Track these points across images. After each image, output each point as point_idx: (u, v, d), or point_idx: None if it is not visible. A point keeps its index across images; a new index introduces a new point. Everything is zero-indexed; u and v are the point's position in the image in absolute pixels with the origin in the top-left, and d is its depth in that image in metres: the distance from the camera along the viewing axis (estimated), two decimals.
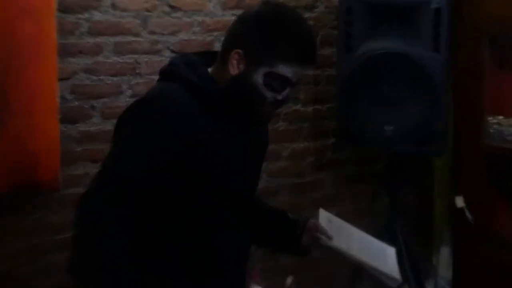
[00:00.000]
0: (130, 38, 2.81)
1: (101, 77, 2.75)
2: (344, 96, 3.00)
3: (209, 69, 1.75)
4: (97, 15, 2.71)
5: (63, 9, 2.61)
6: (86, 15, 2.69)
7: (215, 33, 2.96)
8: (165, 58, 2.79)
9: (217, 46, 2.84)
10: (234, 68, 1.69)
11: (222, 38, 1.79)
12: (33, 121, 2.43)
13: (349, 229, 2.05)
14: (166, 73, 1.74)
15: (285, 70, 1.67)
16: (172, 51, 2.86)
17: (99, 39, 2.73)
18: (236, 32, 1.73)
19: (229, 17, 2.96)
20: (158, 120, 1.59)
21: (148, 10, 2.81)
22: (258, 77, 1.67)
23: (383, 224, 3.21)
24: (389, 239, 3.23)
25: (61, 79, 2.61)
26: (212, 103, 1.69)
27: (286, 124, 3.30)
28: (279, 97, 1.70)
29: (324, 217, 2.00)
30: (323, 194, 3.43)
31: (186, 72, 1.70)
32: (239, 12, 2.10)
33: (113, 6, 2.74)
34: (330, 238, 1.92)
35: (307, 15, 3.21)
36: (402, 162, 3.31)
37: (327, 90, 3.36)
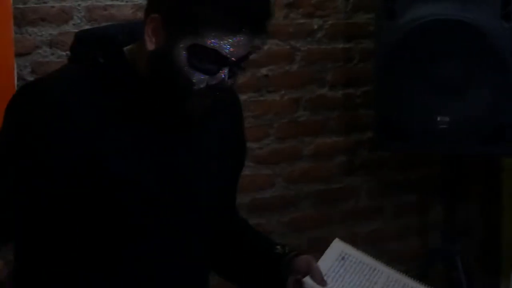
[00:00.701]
0: (106, 2, 2.87)
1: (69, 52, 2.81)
2: (384, 77, 3.03)
3: (128, 47, 1.72)
4: None
5: None
6: None
7: None
8: None
9: None
10: (151, 41, 1.62)
11: None
12: None
13: (372, 272, 1.85)
14: (71, 52, 1.76)
15: (215, 40, 1.59)
16: None
17: (66, 3, 2.80)
18: None
19: None
20: (23, 113, 1.63)
21: None
22: (180, 52, 1.60)
23: (435, 247, 3.26)
24: (445, 265, 3.28)
25: (18, 55, 2.67)
26: (122, 92, 1.66)
27: (308, 113, 3.35)
28: (212, 81, 1.62)
29: (335, 252, 1.84)
30: (355, 205, 3.48)
31: (90, 51, 1.69)
32: None
33: None
34: (322, 286, 1.75)
35: None
36: (461, 165, 3.33)
37: (361, 68, 3.41)
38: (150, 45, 1.63)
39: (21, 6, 2.71)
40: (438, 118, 2.98)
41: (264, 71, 3.24)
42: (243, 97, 3.11)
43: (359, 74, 3.42)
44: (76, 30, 2.70)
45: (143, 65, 1.66)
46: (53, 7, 2.78)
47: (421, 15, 2.96)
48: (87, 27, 2.79)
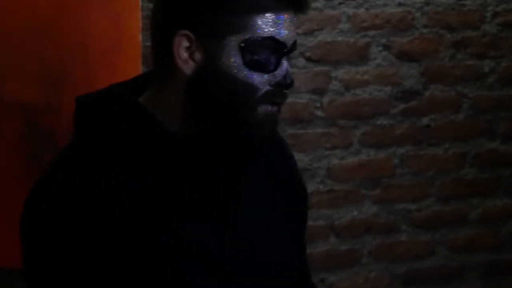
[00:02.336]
0: None
1: None
2: None
3: (141, 98, 1.62)
4: None
5: None
6: None
7: (372, 32, 3.02)
8: (297, 70, 2.89)
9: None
10: (186, 63, 1.52)
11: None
12: None
13: None
14: (75, 126, 1.63)
15: (268, 25, 1.51)
16: (309, 59, 2.93)
17: None
18: (165, 11, 1.58)
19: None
20: (66, 201, 1.51)
21: None
22: (233, 56, 1.51)
23: None
24: None
25: None
26: (155, 154, 1.55)
27: (475, 170, 3.26)
28: (275, 78, 1.53)
29: None
30: None
31: (96, 115, 1.57)
32: None
33: None
34: None
35: None
36: None
37: None
38: (187, 68, 1.52)
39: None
40: None
41: (425, 120, 3.16)
42: (400, 150, 3.11)
43: None
44: None
45: (167, 111, 1.56)
46: None
47: None
48: None
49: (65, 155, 1.60)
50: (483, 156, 3.25)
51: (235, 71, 1.51)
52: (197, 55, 1.52)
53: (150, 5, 2.63)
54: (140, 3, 2.47)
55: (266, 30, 1.51)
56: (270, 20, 1.51)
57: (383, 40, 2.99)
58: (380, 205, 3.05)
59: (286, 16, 1.53)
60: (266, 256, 1.66)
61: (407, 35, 3.02)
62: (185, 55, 1.52)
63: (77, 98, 1.65)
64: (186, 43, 1.52)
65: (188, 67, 1.52)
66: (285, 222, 1.71)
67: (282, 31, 1.52)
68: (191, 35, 1.51)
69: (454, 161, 3.21)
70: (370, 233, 3.05)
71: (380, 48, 2.99)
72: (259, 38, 1.51)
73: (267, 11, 1.51)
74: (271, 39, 1.51)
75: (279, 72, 1.53)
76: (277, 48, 1.53)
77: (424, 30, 3.04)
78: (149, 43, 2.63)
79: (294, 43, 1.55)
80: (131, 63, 2.47)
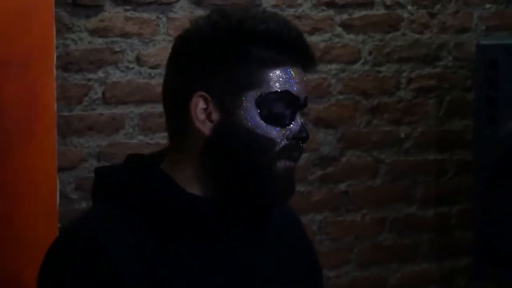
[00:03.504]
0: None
1: None
2: (486, 193, 2.94)
3: (161, 165, 1.65)
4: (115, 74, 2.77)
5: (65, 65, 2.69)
6: (100, 74, 2.74)
7: None
8: None
9: None
10: (204, 124, 1.56)
11: None
12: (17, 228, 2.43)
13: None
14: (95, 193, 1.68)
15: (282, 80, 1.57)
16: None
17: (117, 110, 2.81)
18: (179, 75, 1.62)
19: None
20: (86, 261, 1.52)
21: None
22: (251, 111, 1.56)
23: None
24: None
25: (61, 169, 2.63)
26: (173, 212, 1.57)
27: (394, 236, 3.28)
28: (294, 130, 1.58)
29: None
30: None
31: (123, 180, 1.61)
32: None
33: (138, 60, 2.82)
34: None
35: (426, 70, 3.25)
36: None
37: (457, 183, 3.36)
38: (206, 129, 1.56)
39: (66, 113, 2.70)
40: None
41: (342, 186, 3.19)
42: (318, 217, 3.12)
43: (454, 190, 3.37)
44: (128, 141, 2.78)
45: (185, 181, 1.58)
46: (102, 114, 2.77)
47: None
48: (140, 137, 2.82)
49: (86, 219, 1.62)
50: (401, 221, 3.27)
51: (253, 126, 1.55)
52: (215, 115, 1.56)
53: (65, 74, 2.68)
54: (55, 73, 2.48)
55: (280, 85, 1.56)
56: (284, 75, 1.57)
57: None
58: None
59: (297, 71, 1.59)
60: None
61: (323, 101, 3.07)
62: (202, 116, 1.56)
63: (96, 168, 1.71)
64: (203, 105, 1.55)
65: (206, 128, 1.56)
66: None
67: (294, 86, 1.58)
68: (207, 95, 1.56)
69: (372, 226, 3.23)
70: None
71: None
72: (275, 93, 1.56)
73: (280, 66, 1.57)
74: (287, 93, 1.57)
75: (295, 126, 1.58)
76: (292, 102, 1.58)
77: (340, 97, 3.10)
78: (63, 113, 2.72)
79: (306, 98, 1.61)
80: (47, 131, 2.48)
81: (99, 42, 2.76)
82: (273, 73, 1.56)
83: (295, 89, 1.58)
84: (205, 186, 1.59)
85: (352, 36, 3.10)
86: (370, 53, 3.15)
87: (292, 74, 1.58)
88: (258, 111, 1.56)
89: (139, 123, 2.83)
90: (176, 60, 1.63)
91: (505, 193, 2.91)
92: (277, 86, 1.56)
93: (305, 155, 3.03)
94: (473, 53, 3.03)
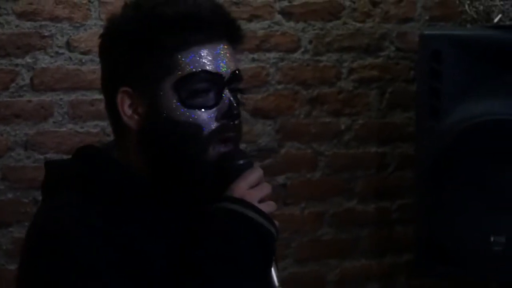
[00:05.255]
0: (94, 95, 2.84)
1: (48, 155, 2.78)
2: (427, 188, 2.95)
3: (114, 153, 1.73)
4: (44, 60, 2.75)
5: None
6: (28, 60, 2.73)
7: None
8: None
9: None
10: (132, 118, 1.63)
11: None
12: None
13: None
14: (48, 185, 1.71)
15: (195, 60, 1.60)
16: None
17: (46, 97, 2.80)
18: (104, 73, 1.70)
19: None
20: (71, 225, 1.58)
21: None
22: (171, 98, 1.59)
23: None
24: None
25: None
26: (130, 201, 1.64)
27: (333, 231, 3.30)
28: (219, 113, 1.61)
29: None
30: None
31: (74, 169, 1.67)
32: None
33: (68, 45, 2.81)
34: None
35: (368, 60, 3.26)
36: None
37: (398, 178, 3.38)
38: (134, 123, 1.62)
39: None
40: (492, 239, 2.90)
41: (281, 179, 3.21)
42: None
43: (395, 185, 3.39)
44: (57, 129, 2.78)
45: (135, 162, 1.65)
46: (29, 101, 2.76)
47: (472, 114, 2.89)
48: (70, 125, 2.82)
49: (53, 203, 1.65)
50: (340, 215, 3.29)
51: (177, 113, 1.59)
52: (140, 109, 1.61)
53: None
54: None
55: (194, 65, 1.59)
56: (198, 55, 1.60)
57: None
58: None
59: (218, 47, 1.61)
60: None
61: (261, 91, 3.09)
62: (129, 111, 1.62)
63: (47, 162, 1.76)
64: (128, 100, 1.62)
65: (134, 122, 1.62)
66: None
67: (213, 63, 1.60)
68: (131, 90, 1.61)
69: (311, 221, 3.25)
70: None
71: None
72: (191, 74, 1.59)
73: (193, 47, 1.60)
74: (205, 72, 1.59)
75: (222, 105, 1.61)
76: (214, 81, 1.61)
77: (279, 87, 3.11)
78: None
79: (234, 73, 1.63)
80: None
81: (27, 26, 2.76)
82: (185, 55, 1.59)
83: (214, 66, 1.60)
84: (149, 172, 1.64)
85: (292, 24, 3.11)
86: (310, 42, 3.16)
87: (209, 52, 1.60)
88: (178, 96, 1.59)
89: (68, 111, 2.82)
90: (100, 56, 1.69)
91: (446, 188, 2.90)
92: (191, 68, 1.59)
93: (242, 147, 3.04)
94: (416, 44, 3.04)
